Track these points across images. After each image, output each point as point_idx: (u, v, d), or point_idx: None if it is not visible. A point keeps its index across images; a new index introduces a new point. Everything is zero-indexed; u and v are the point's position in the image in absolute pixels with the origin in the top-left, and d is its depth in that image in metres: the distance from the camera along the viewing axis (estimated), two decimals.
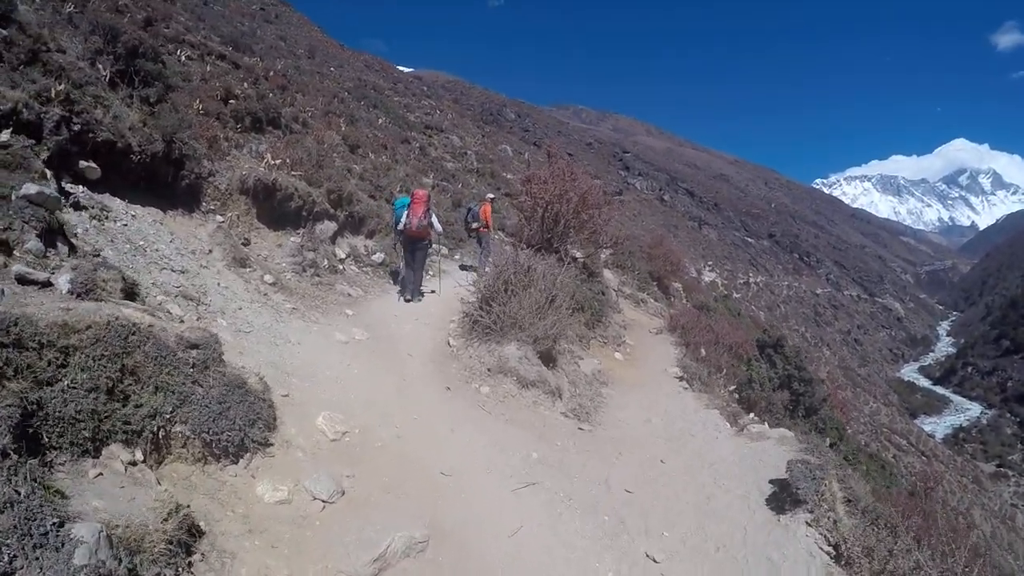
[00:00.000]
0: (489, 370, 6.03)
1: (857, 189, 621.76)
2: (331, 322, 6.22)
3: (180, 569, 2.35)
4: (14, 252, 3.36)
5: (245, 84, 12.07)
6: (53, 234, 3.80)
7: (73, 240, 4.11)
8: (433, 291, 8.47)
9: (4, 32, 5.36)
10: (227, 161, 7.35)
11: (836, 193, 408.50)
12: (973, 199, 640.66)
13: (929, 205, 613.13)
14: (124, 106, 6.25)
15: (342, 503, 3.34)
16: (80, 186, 5.06)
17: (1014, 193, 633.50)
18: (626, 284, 15.85)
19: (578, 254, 12.23)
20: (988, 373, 57.30)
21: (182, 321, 4.19)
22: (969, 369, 60.16)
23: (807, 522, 4.07)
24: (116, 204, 5.29)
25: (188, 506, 2.61)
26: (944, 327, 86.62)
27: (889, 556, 3.69)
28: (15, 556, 1.78)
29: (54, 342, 2.61)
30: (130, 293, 3.80)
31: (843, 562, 3.71)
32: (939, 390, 58.04)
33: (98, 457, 2.59)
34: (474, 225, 10.08)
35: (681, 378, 8.94)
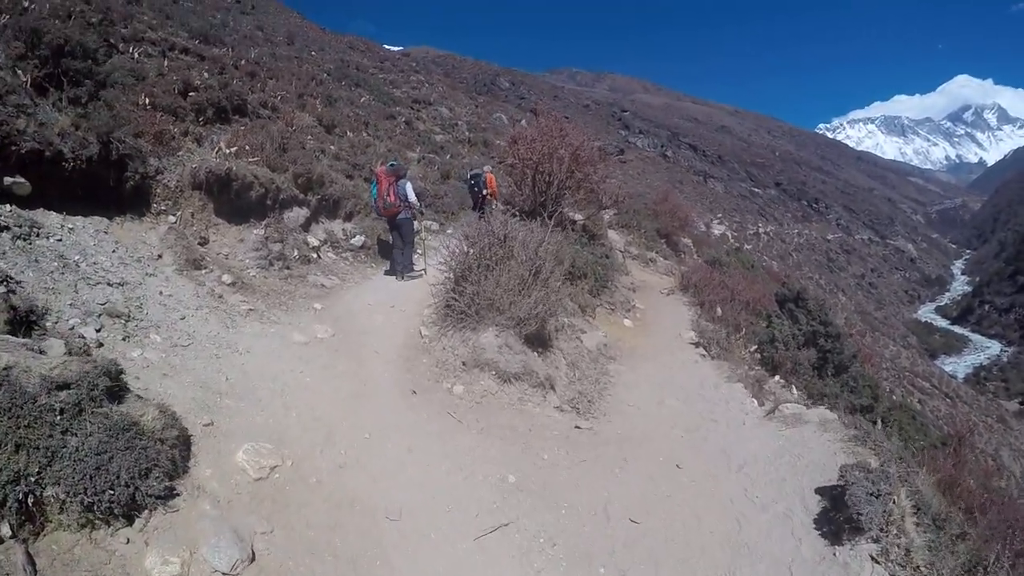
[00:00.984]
0: (464, 364, 5.13)
1: (861, 132, 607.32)
2: (293, 320, 5.56)
3: None
4: None
5: (206, 75, 11.21)
6: None
7: None
8: (424, 269, 7.81)
9: None
10: (177, 157, 6.65)
11: (840, 137, 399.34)
12: (979, 135, 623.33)
13: (935, 144, 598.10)
14: (55, 111, 5.63)
15: (249, 574, 2.66)
16: (7, 204, 4.58)
17: (1021, 127, 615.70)
18: (633, 244, 15.11)
19: (578, 216, 11.43)
20: (1005, 310, 56.15)
21: (101, 345, 3.58)
22: (986, 307, 58.99)
23: (872, 555, 3.25)
24: (50, 219, 4.84)
25: None
26: (958, 266, 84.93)
27: None
28: None
29: None
30: (21, 322, 3.16)
31: None
32: (957, 329, 56.99)
33: None
34: (484, 192, 9.66)
35: (697, 344, 8.26)
